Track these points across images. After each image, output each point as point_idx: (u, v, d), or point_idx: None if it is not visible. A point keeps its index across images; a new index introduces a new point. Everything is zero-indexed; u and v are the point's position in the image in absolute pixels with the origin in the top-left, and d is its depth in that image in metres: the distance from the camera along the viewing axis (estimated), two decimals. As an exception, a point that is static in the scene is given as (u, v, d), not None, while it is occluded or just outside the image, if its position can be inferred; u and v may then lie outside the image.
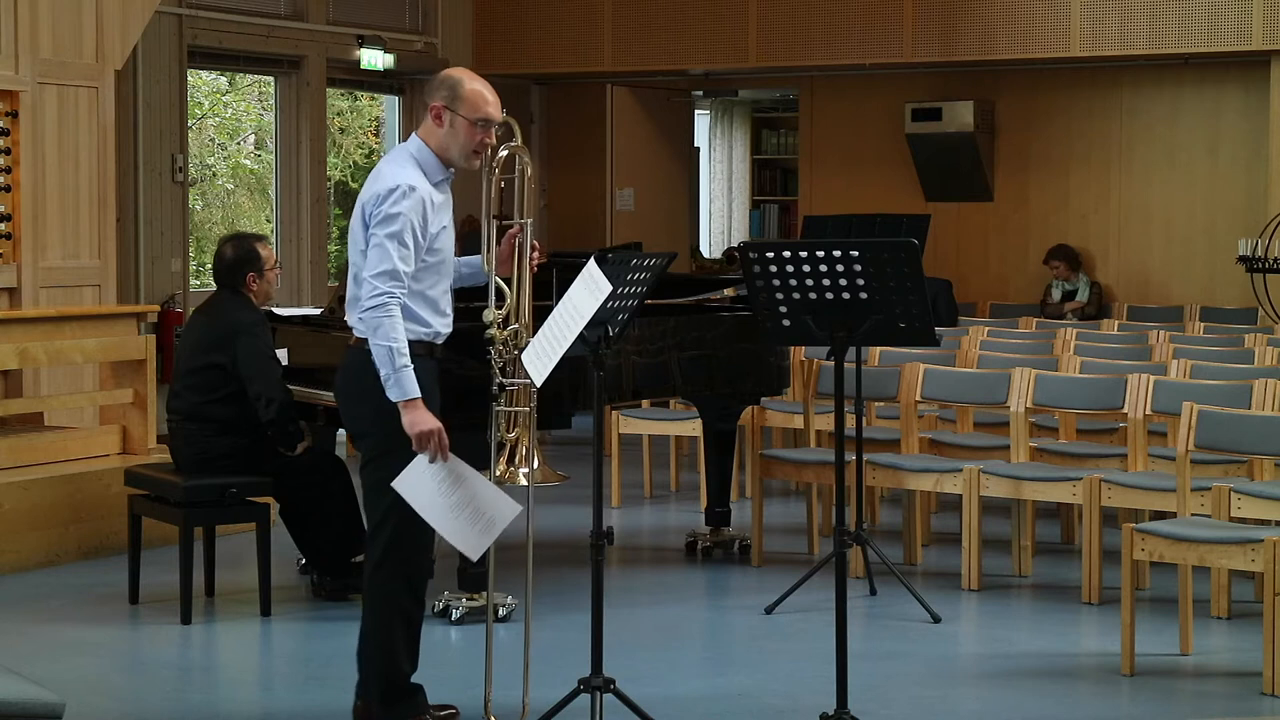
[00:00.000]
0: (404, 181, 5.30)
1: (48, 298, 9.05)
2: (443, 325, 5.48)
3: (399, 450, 5.29)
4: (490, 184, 5.55)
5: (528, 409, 5.51)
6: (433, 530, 5.45)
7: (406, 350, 5.23)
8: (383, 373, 5.23)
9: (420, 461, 5.24)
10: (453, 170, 5.48)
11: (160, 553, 7.79)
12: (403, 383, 5.21)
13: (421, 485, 5.24)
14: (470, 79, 5.45)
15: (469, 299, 5.89)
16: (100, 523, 8.30)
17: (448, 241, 5.44)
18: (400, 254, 5.24)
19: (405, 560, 5.41)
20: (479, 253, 5.64)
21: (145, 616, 7.25)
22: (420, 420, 5.22)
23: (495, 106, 5.42)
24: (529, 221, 5.58)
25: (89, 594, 7.62)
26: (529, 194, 5.59)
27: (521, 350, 5.43)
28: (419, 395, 5.23)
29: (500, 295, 5.54)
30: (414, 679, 5.53)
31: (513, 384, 5.51)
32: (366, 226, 5.33)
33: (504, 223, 5.62)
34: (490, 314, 5.50)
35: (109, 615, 7.25)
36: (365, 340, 5.34)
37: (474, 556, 5.38)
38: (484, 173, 5.54)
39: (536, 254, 5.63)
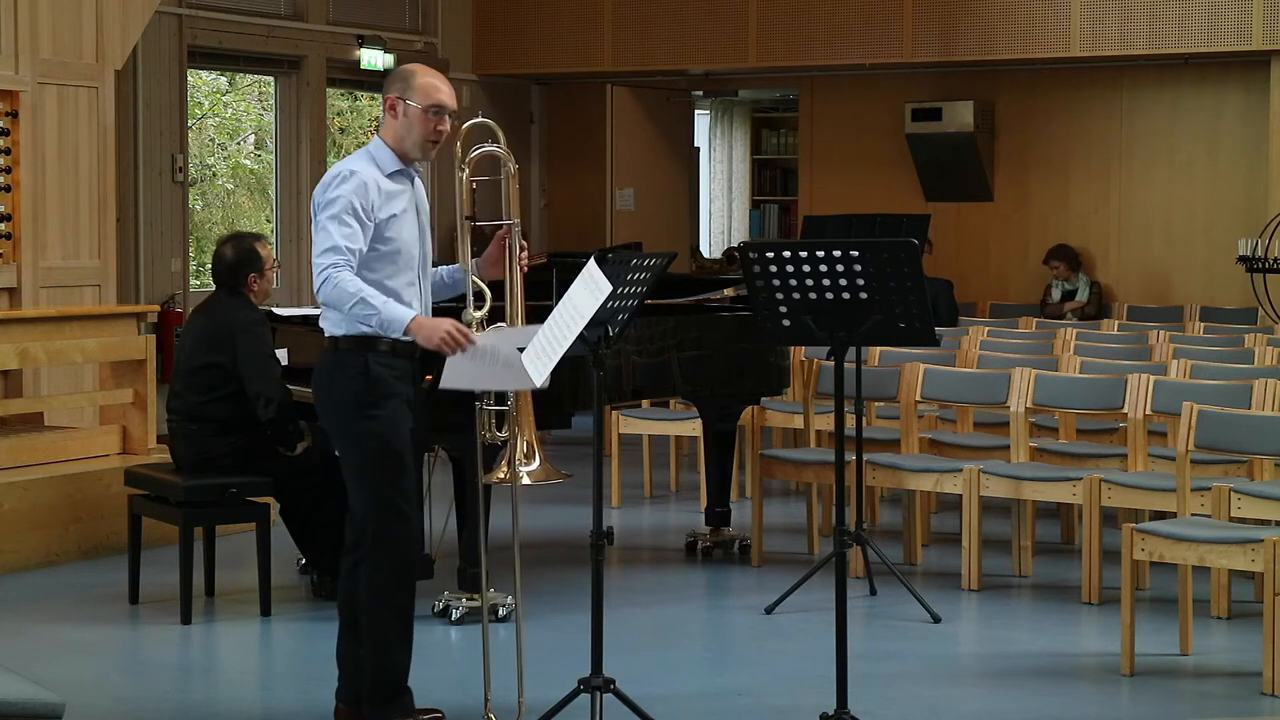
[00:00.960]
0: (344, 169, 5.38)
1: (48, 298, 9.05)
2: None
3: (361, 442, 5.36)
4: (461, 185, 5.58)
5: (507, 407, 5.50)
6: (413, 512, 5.47)
7: (372, 292, 5.24)
8: (372, 325, 5.26)
9: (453, 359, 5.26)
10: (416, 166, 5.51)
11: (160, 553, 7.79)
12: (393, 316, 5.24)
13: (465, 371, 5.26)
14: (423, 72, 5.51)
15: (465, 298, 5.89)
16: (100, 523, 8.30)
17: (403, 232, 5.43)
18: (342, 232, 5.27)
19: (391, 552, 5.42)
20: (478, 254, 5.64)
21: (145, 616, 7.25)
22: (430, 331, 5.24)
23: (448, 95, 5.47)
24: (516, 222, 5.59)
25: (89, 594, 7.62)
26: (514, 195, 5.60)
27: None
28: (412, 314, 5.25)
29: (479, 295, 5.55)
30: (412, 678, 5.52)
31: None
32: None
33: (487, 225, 5.64)
34: (469, 314, 5.51)
35: (109, 615, 7.25)
36: (330, 338, 5.41)
37: (541, 382, 5.25)
38: (456, 174, 5.58)
39: (525, 254, 5.63)
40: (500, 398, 5.53)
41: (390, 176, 5.43)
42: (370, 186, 5.34)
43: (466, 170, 5.61)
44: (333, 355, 5.41)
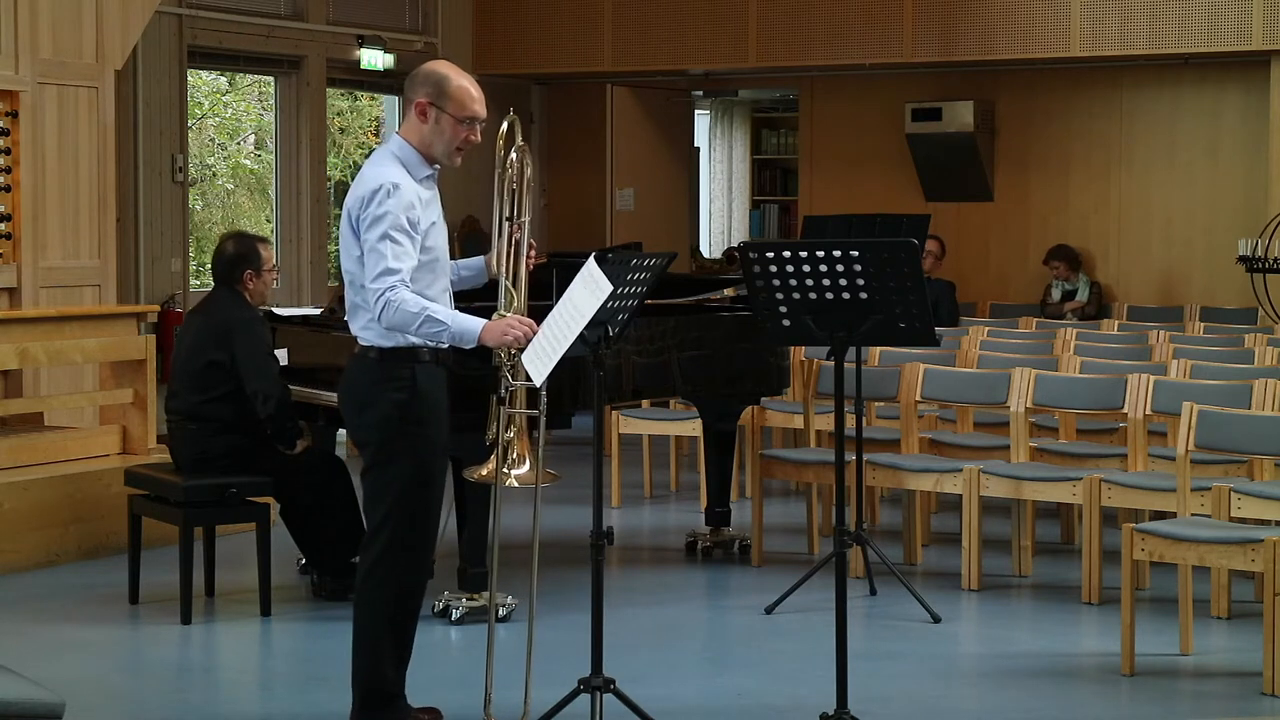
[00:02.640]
0: (387, 180, 5.22)
1: (48, 298, 9.05)
2: None
3: (399, 458, 5.27)
4: (502, 186, 5.50)
5: (537, 411, 5.45)
6: (431, 539, 5.44)
7: (437, 307, 5.17)
8: (445, 341, 5.20)
9: (528, 357, 5.24)
10: (437, 167, 5.41)
11: (160, 553, 7.79)
12: (464, 328, 5.16)
13: (541, 357, 5.23)
14: (456, 74, 5.37)
15: (469, 299, 5.87)
16: (100, 523, 8.30)
17: (439, 239, 5.36)
18: (394, 251, 5.16)
19: (398, 569, 5.36)
20: (480, 254, 5.62)
21: (145, 616, 7.25)
22: (499, 337, 5.18)
23: (481, 103, 5.36)
24: (527, 220, 5.56)
25: (89, 594, 7.62)
26: (528, 193, 5.56)
27: (523, 351, 5.41)
28: (482, 323, 5.17)
29: (508, 296, 5.49)
30: (411, 681, 5.50)
31: (521, 385, 5.47)
32: (356, 233, 5.26)
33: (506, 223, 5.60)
34: (499, 315, 5.47)
35: (109, 615, 7.25)
36: (369, 348, 5.32)
37: (541, 380, 5.24)
38: (496, 175, 5.51)
39: (533, 253, 5.60)
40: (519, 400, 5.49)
41: (421, 182, 5.32)
42: (414, 199, 5.23)
43: (510, 170, 5.52)
44: (377, 367, 5.28)
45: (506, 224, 5.50)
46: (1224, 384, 7.67)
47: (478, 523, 6.93)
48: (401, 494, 5.31)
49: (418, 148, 5.34)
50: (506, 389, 5.44)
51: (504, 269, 5.50)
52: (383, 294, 5.14)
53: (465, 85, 5.34)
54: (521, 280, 5.54)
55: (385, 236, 5.17)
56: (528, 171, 5.54)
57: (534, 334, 5.20)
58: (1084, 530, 7.49)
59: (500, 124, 5.56)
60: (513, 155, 5.48)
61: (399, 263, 5.16)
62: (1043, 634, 7.02)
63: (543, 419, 5.43)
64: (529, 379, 5.34)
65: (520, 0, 14.07)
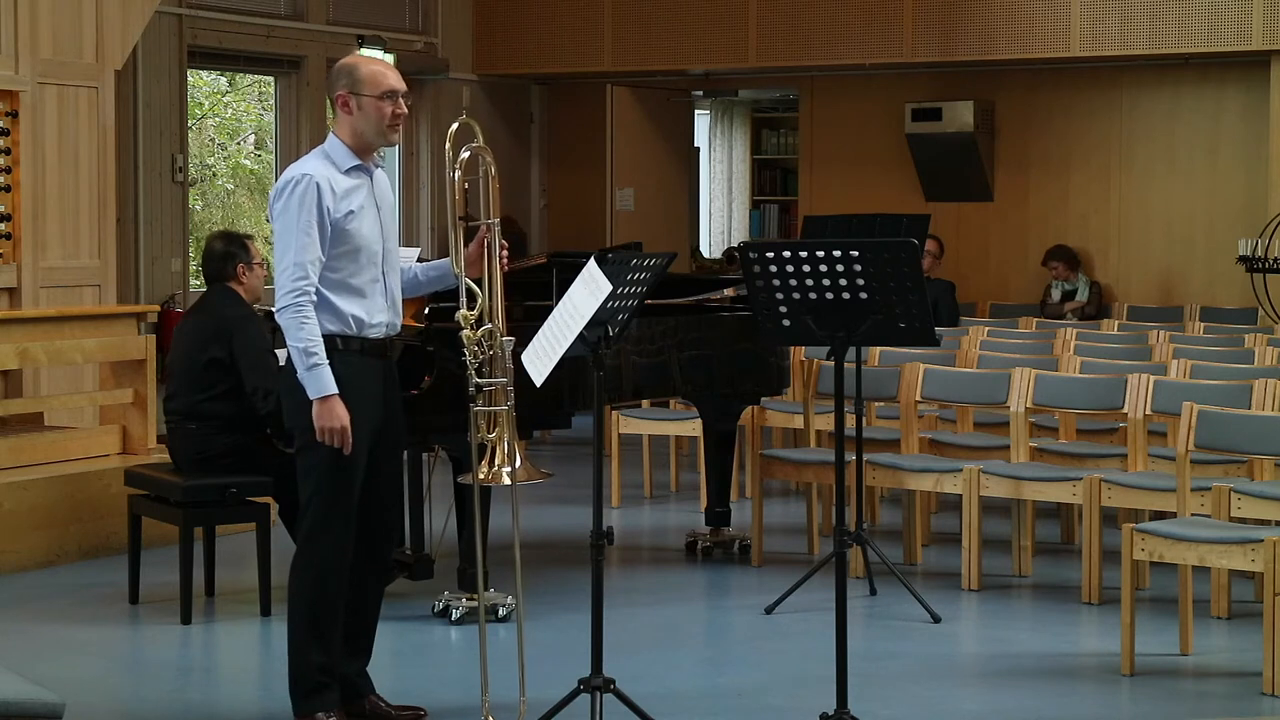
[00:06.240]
0: (297, 172, 5.39)
1: (48, 298, 9.06)
2: (371, 315, 5.46)
3: (316, 444, 5.37)
4: (455, 185, 5.55)
5: (505, 408, 5.46)
6: (350, 524, 5.44)
7: (319, 348, 5.28)
8: (299, 372, 5.30)
9: (526, 355, 5.31)
10: (375, 160, 5.51)
11: (160, 553, 7.79)
12: (317, 379, 5.27)
13: (541, 357, 5.29)
14: (365, 61, 5.54)
15: (448, 299, 5.87)
16: (100, 523, 8.30)
17: (363, 228, 5.42)
18: (300, 244, 5.30)
19: (319, 552, 5.47)
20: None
21: (145, 616, 7.25)
22: (325, 414, 5.26)
23: (397, 79, 5.50)
24: (496, 222, 5.56)
25: (89, 594, 7.62)
26: (494, 194, 5.57)
27: (495, 350, 5.41)
28: (333, 391, 5.26)
29: (471, 296, 5.52)
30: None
31: (489, 384, 5.48)
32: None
33: (471, 224, 5.62)
34: (462, 315, 5.48)
35: (109, 615, 7.25)
36: None
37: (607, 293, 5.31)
38: (447, 174, 5.57)
39: (506, 253, 5.62)
40: (494, 398, 5.50)
41: (347, 173, 5.43)
42: (323, 189, 5.35)
43: (459, 171, 5.58)
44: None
45: (461, 222, 5.55)
46: (1224, 384, 7.67)
47: (475, 523, 6.91)
48: (320, 478, 5.42)
49: (348, 140, 5.47)
50: (476, 388, 5.43)
51: (463, 269, 5.52)
52: (288, 293, 5.28)
53: (376, 67, 5.51)
54: (496, 282, 5.53)
55: (289, 229, 5.31)
56: (491, 172, 5.56)
57: (339, 437, 5.28)
58: (1084, 530, 7.49)
59: (466, 128, 5.61)
60: (464, 155, 5.51)
61: (309, 256, 5.29)
62: (1043, 634, 7.02)
63: (510, 417, 5.43)
64: (497, 377, 5.38)
65: (520, 0, 14.07)
